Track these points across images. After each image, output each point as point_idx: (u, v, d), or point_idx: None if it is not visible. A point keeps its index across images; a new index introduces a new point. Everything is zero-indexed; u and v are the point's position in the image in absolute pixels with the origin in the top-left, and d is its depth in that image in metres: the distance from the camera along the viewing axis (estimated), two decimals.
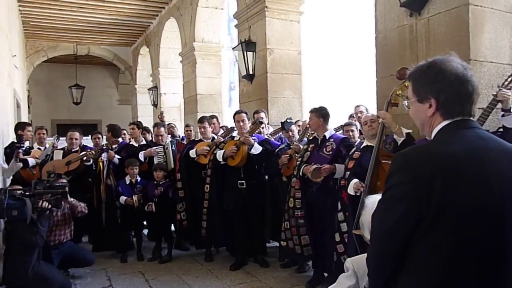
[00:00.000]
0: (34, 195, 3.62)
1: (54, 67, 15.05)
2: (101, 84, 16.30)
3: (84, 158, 5.14)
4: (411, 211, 1.27)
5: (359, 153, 3.59)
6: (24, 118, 10.41)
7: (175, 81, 10.87)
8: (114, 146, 5.43)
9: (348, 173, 3.57)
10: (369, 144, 3.56)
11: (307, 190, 4.04)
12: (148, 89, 11.69)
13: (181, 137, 6.97)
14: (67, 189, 4.55)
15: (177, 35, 9.97)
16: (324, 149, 4.02)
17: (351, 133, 4.50)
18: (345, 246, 3.63)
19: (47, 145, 5.93)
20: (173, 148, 5.66)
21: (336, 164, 3.88)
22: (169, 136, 6.51)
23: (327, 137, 4.08)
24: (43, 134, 6.12)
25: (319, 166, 3.83)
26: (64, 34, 12.17)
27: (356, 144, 3.95)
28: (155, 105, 11.57)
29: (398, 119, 3.86)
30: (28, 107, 14.01)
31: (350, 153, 3.72)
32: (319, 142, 4.13)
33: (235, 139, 4.86)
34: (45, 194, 3.73)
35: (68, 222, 4.63)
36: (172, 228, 5.51)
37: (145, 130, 6.82)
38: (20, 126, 5.63)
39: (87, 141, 6.54)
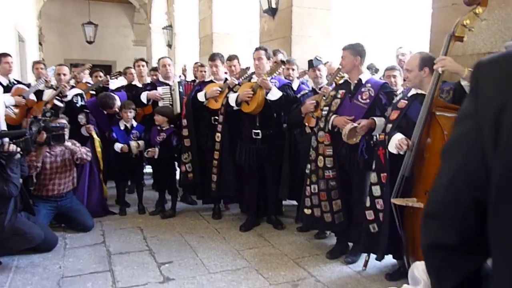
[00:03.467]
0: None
1: (66, 2, 14.24)
2: (116, 23, 15.44)
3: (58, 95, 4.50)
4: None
5: (406, 101, 2.83)
6: (33, 55, 9.79)
7: (192, 20, 9.96)
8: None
9: (390, 125, 2.82)
10: (419, 91, 2.79)
11: (337, 146, 3.31)
12: (163, 28, 10.84)
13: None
14: (66, 130, 4.02)
15: None
16: (360, 96, 3.24)
17: (393, 80, 3.73)
18: (375, 213, 2.97)
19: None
20: (181, 90, 4.95)
21: (375, 118, 3.12)
22: (180, 76, 5.81)
23: (363, 82, 3.30)
24: (41, 69, 5.45)
25: (355, 125, 3.07)
26: None
27: (400, 91, 3.17)
28: (169, 45, 10.77)
29: (458, 61, 3.05)
30: (40, 44, 13.41)
31: (394, 101, 2.95)
32: (351, 87, 3.35)
33: (252, 80, 4.12)
34: (9, 135, 3.13)
35: (69, 170, 4.11)
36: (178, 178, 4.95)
37: (154, 70, 6.13)
38: None
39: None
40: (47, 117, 4.19)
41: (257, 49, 4.14)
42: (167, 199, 4.82)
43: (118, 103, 4.76)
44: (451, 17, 3.09)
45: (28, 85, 5.06)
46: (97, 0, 14.25)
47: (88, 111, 4.75)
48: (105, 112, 4.83)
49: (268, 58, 4.05)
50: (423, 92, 2.76)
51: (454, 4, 3.08)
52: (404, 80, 4.02)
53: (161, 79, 5.08)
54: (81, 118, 4.65)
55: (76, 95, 4.70)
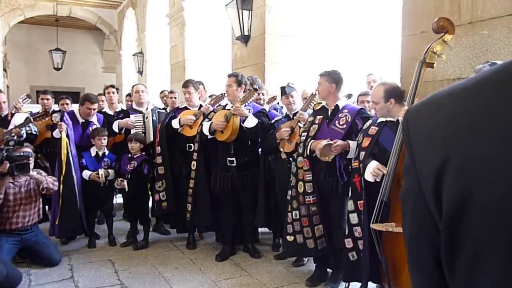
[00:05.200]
0: None
1: (33, 29, 14.01)
2: (85, 49, 15.27)
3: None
4: None
5: (376, 128, 2.86)
6: None
7: (162, 47, 9.95)
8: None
9: (363, 153, 2.83)
10: (388, 118, 2.83)
11: (316, 171, 3.29)
12: (133, 55, 10.77)
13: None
14: (31, 160, 3.84)
15: None
16: (337, 121, 3.26)
17: (366, 105, 3.78)
18: (354, 241, 2.94)
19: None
20: (154, 117, 4.86)
21: (349, 141, 3.14)
22: (152, 104, 5.73)
23: (340, 107, 3.32)
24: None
25: (330, 142, 3.08)
26: None
27: (372, 117, 3.21)
28: (140, 72, 10.69)
29: (428, 87, 3.14)
30: (5, 70, 13.04)
31: (365, 127, 2.98)
32: (329, 113, 3.37)
33: (226, 108, 4.09)
34: None
35: (34, 201, 3.91)
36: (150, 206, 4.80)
37: (129, 96, 6.03)
38: None
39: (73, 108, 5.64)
40: (10, 146, 4.01)
41: (228, 76, 4.14)
42: (139, 229, 4.64)
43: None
44: (420, 44, 3.19)
45: None
46: (65, 27, 14.07)
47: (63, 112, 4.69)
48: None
49: (239, 85, 4.02)
50: (392, 119, 2.81)
51: (423, 32, 3.18)
52: None
53: (134, 106, 4.99)
54: (56, 116, 4.42)
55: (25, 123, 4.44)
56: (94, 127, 4.66)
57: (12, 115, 4.63)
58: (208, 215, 4.27)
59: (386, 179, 2.61)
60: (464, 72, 2.99)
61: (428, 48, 2.64)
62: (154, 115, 4.83)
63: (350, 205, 2.95)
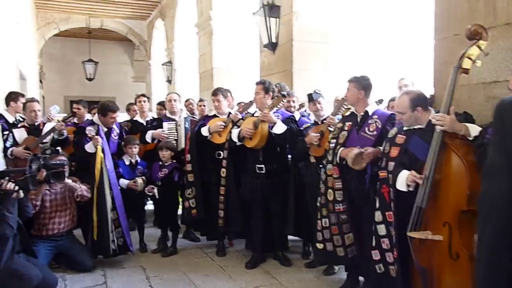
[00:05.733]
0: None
1: (67, 41, 14.50)
2: (116, 60, 15.70)
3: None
4: None
5: (404, 137, 2.78)
6: (33, 93, 9.86)
7: (191, 56, 10.11)
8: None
9: (392, 163, 2.75)
10: (416, 126, 2.75)
11: (346, 179, 3.25)
12: (162, 64, 10.98)
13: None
14: (66, 168, 3.96)
15: (193, 5, 9.17)
16: (367, 128, 3.21)
17: None
18: (381, 253, 2.86)
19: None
20: (187, 125, 4.93)
21: (380, 148, 3.08)
22: (184, 112, 5.81)
23: (369, 113, 3.27)
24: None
25: (362, 150, 3.03)
26: (76, 5, 11.50)
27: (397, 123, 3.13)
28: (169, 81, 10.88)
29: (463, 91, 3.05)
30: (41, 82, 13.54)
31: (390, 136, 2.89)
32: (358, 119, 3.32)
33: (255, 115, 4.10)
34: (10, 173, 3.05)
35: (69, 207, 4.03)
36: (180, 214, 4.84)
37: (160, 104, 6.13)
38: (12, 97, 4.91)
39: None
40: (47, 154, 4.14)
41: (256, 83, 4.16)
42: (169, 236, 4.69)
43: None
44: (453, 47, 3.11)
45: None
46: (97, 39, 14.50)
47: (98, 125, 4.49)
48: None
49: (267, 92, 4.03)
50: (420, 126, 2.73)
51: (457, 35, 3.10)
52: None
53: (168, 114, 5.08)
54: (90, 130, 4.22)
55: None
56: (115, 133, 4.70)
57: (44, 124, 4.78)
58: (239, 221, 4.29)
59: (424, 186, 2.53)
60: (501, 75, 2.89)
61: (463, 53, 2.57)
62: (187, 123, 4.91)
63: (377, 216, 2.86)
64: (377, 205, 2.86)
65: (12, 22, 7.36)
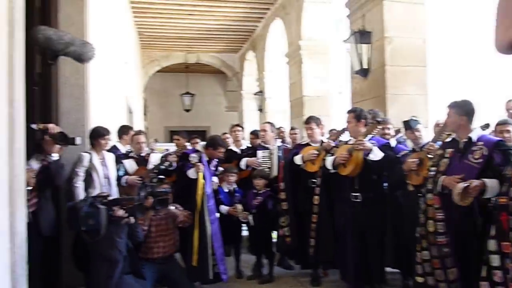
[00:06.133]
0: (110, 203, 3.26)
1: (167, 76, 15.73)
2: (210, 91, 16.64)
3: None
4: None
5: None
6: (138, 124, 10.81)
7: (281, 85, 10.38)
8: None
9: None
10: None
11: (448, 209, 3.07)
12: (254, 94, 11.41)
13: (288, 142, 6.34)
14: (170, 195, 4.25)
15: (282, 36, 9.48)
16: (471, 155, 3.01)
17: (506, 135, 3.43)
18: (492, 286, 2.62)
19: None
20: (280, 154, 5.06)
21: (485, 180, 2.85)
22: (279, 140, 5.96)
23: (473, 140, 3.07)
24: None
25: (467, 184, 2.83)
26: (175, 43, 12.53)
27: None
28: (260, 109, 11.23)
29: None
30: (145, 114, 14.83)
31: None
32: (460, 146, 3.14)
33: (349, 142, 4.07)
34: (122, 201, 3.36)
35: (172, 232, 4.30)
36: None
37: (252, 134, 6.35)
38: (124, 130, 5.45)
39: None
40: (154, 182, 4.49)
41: (347, 112, 4.15)
42: (264, 262, 4.76)
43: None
44: None
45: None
46: (194, 72, 15.56)
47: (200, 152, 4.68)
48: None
49: (359, 120, 3.98)
50: None
51: None
52: None
53: (262, 143, 5.27)
54: (194, 157, 4.43)
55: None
56: (214, 163, 4.78)
57: (148, 155, 5.20)
58: (331, 251, 4.22)
59: None
60: None
61: None
62: (280, 151, 5.03)
63: (491, 245, 2.65)
64: (493, 233, 2.66)
65: (121, 62, 8.24)
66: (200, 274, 4.18)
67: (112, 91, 7.01)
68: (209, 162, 4.73)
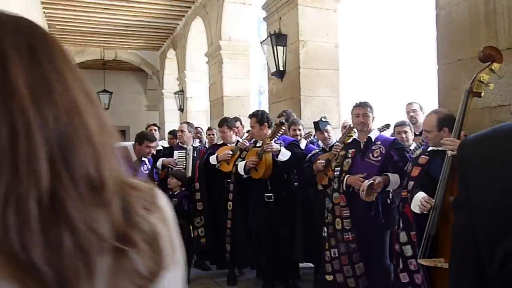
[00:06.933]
0: None
1: (82, 73, 14.85)
2: (130, 90, 16.02)
3: None
4: None
5: (427, 157, 2.76)
6: None
7: (202, 85, 10.31)
8: None
9: (411, 183, 2.74)
10: (440, 148, 2.73)
11: (354, 206, 3.23)
12: (174, 93, 11.19)
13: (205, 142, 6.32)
14: None
15: (204, 35, 9.41)
16: (371, 154, 3.21)
17: (404, 136, 3.69)
18: (410, 275, 2.80)
19: None
20: (195, 154, 5.00)
21: (389, 174, 3.07)
22: (197, 141, 5.88)
23: (372, 140, 3.27)
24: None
25: (371, 181, 3.02)
26: (90, 38, 11.88)
27: (414, 146, 3.13)
28: (181, 109, 11.04)
29: (469, 115, 3.03)
30: None
31: (415, 156, 2.90)
32: (361, 146, 3.33)
33: (257, 145, 4.12)
34: None
35: None
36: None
37: (171, 134, 6.23)
38: None
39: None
40: None
41: (249, 117, 4.22)
42: None
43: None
44: (457, 72, 3.12)
45: None
46: (111, 70, 14.88)
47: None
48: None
49: (262, 123, 4.02)
50: (443, 148, 2.71)
51: (460, 60, 3.11)
52: (416, 135, 4.01)
53: (179, 143, 5.20)
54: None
55: None
56: (145, 167, 4.35)
57: None
58: (248, 254, 4.25)
59: (433, 212, 2.50)
60: (506, 99, 2.87)
61: (475, 77, 2.57)
62: (195, 152, 4.97)
63: (402, 236, 2.81)
64: (401, 225, 2.83)
65: None
66: None
67: None
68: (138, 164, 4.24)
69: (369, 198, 3.07)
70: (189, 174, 4.82)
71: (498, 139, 0.66)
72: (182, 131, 5.11)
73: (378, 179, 3.05)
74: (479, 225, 0.63)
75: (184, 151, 5.06)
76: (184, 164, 4.96)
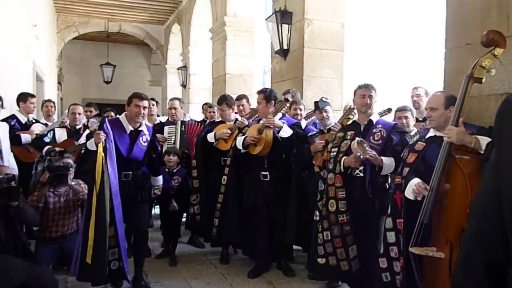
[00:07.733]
0: None
1: (86, 45, 14.76)
2: (133, 63, 15.89)
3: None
4: None
5: (424, 144, 2.69)
6: (50, 94, 10.02)
7: (206, 61, 10.16)
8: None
9: (406, 169, 2.67)
10: (438, 134, 2.65)
11: (350, 188, 3.16)
12: (177, 69, 11.06)
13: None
14: (71, 170, 3.93)
15: (209, 11, 9.22)
16: (371, 137, 3.13)
17: (404, 121, 3.62)
18: (389, 261, 2.77)
19: (54, 120, 5.35)
20: (183, 128, 4.92)
21: (382, 158, 3.00)
22: (188, 115, 5.84)
23: (373, 122, 3.19)
24: (51, 107, 5.51)
25: (365, 142, 2.97)
26: (95, 9, 11.68)
27: (414, 132, 3.05)
28: (184, 85, 10.93)
29: (474, 102, 2.94)
30: (60, 83, 13.80)
31: (411, 142, 2.83)
32: (361, 129, 3.25)
33: (261, 122, 4.05)
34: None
35: (72, 210, 3.99)
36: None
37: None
38: (21, 98, 5.01)
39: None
40: (52, 156, 4.14)
41: (257, 93, 4.15)
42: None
43: None
44: (465, 57, 3.01)
45: (46, 125, 5.11)
46: (115, 43, 14.71)
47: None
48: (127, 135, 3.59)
49: (269, 101, 3.96)
50: (441, 134, 2.62)
51: (468, 44, 3.00)
52: (417, 120, 3.92)
53: (170, 119, 5.11)
54: (93, 122, 3.41)
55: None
56: (144, 137, 3.64)
57: (85, 128, 4.86)
58: (236, 231, 4.19)
59: (427, 199, 2.44)
60: None
61: (476, 62, 2.48)
62: (183, 126, 4.90)
63: (388, 222, 2.78)
64: (389, 211, 2.78)
65: (29, 25, 7.51)
66: (93, 273, 3.29)
67: (15, 55, 6.38)
68: (136, 134, 3.61)
69: (355, 150, 2.98)
70: (177, 147, 4.77)
71: None
72: (175, 108, 5.00)
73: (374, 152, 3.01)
74: (506, 186, 0.61)
75: (174, 126, 5.01)
76: (173, 139, 4.91)
